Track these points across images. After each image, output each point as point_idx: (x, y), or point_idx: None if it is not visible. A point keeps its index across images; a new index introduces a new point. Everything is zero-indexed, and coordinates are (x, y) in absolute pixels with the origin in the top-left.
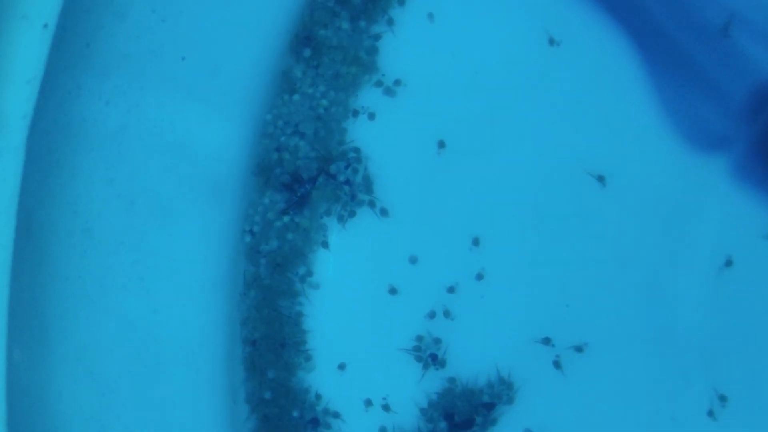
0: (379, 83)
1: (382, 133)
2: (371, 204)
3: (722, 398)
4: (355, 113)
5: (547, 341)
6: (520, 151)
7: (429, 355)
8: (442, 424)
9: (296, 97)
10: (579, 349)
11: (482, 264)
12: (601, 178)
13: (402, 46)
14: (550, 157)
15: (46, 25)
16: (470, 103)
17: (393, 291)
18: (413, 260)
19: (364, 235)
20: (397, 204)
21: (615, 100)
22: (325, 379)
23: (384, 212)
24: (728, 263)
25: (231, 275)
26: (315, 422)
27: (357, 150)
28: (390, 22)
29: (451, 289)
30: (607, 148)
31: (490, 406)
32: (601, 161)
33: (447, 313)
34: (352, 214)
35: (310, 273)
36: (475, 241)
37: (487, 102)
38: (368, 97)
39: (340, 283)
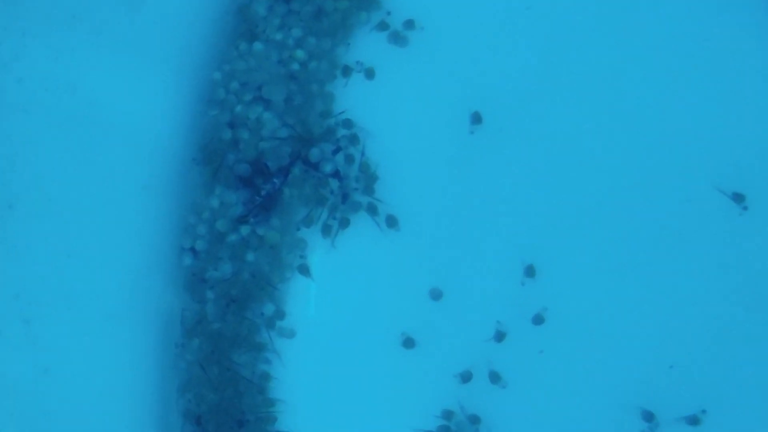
0: (382, 26)
1: (388, 101)
2: (372, 209)
3: None
4: (347, 71)
5: (644, 416)
6: (598, 130)
7: None
8: None
9: (258, 45)
10: (692, 421)
11: (540, 301)
12: (739, 198)
13: None
14: (644, 144)
15: None
16: (520, 57)
17: (408, 342)
18: (436, 295)
19: (362, 255)
20: (411, 209)
21: (748, 57)
22: None
23: (392, 222)
24: None
25: (163, 317)
26: None
27: (350, 125)
28: None
29: (496, 339)
30: (735, 136)
31: None
32: (726, 155)
33: (492, 376)
34: (345, 223)
35: (280, 314)
36: (530, 270)
37: (545, 55)
38: (366, 46)
39: (326, 329)
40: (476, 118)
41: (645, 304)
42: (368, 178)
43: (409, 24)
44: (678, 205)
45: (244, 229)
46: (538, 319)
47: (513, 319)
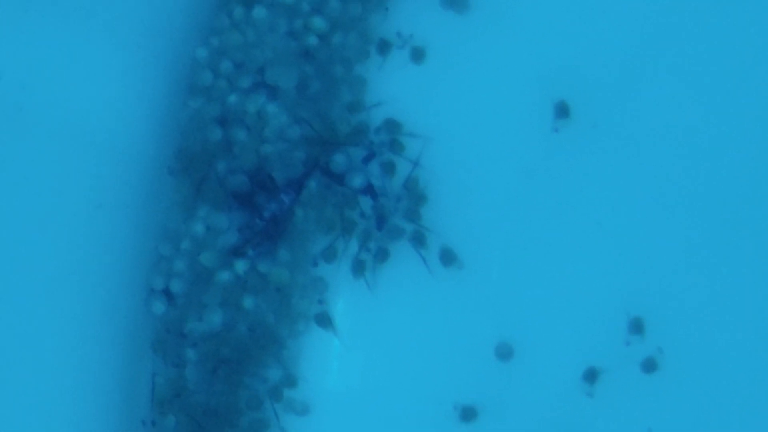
0: None
1: (442, 90)
2: (419, 239)
3: None
4: (385, 47)
5: None
6: (730, 130)
7: None
8: None
9: (259, 11)
10: None
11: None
12: None
13: None
14: None
15: None
16: (621, 25)
17: (467, 413)
18: (505, 353)
19: (404, 301)
20: (471, 239)
21: None
22: None
23: (448, 258)
24: None
25: (126, 385)
26: None
27: (389, 124)
28: None
29: (588, 384)
30: None
31: None
32: None
33: None
34: (382, 257)
35: (290, 380)
36: (637, 324)
37: (655, 23)
38: (412, 12)
39: (353, 401)
40: (562, 111)
41: None
42: (414, 197)
43: None
44: None
45: (240, 265)
46: (648, 366)
47: (608, 383)
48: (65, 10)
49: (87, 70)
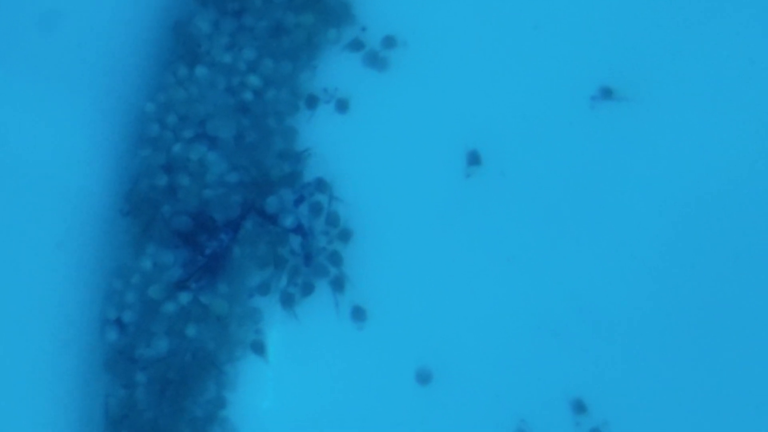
0: (356, 45)
1: (364, 139)
2: (338, 283)
3: None
4: (313, 101)
5: None
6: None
7: None
8: None
9: (201, 70)
10: None
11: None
12: None
13: None
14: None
15: None
16: (528, 80)
17: None
18: (424, 377)
19: (331, 330)
20: (391, 272)
21: None
22: None
23: (358, 314)
24: None
25: (81, 406)
26: None
27: (317, 168)
28: None
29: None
30: None
31: None
32: None
33: None
34: (308, 291)
35: (223, 401)
36: (579, 406)
37: (559, 80)
38: (337, 70)
39: (285, 423)
40: (474, 159)
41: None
42: (341, 234)
43: (389, 41)
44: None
45: (184, 297)
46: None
47: (536, 409)
48: (32, 71)
49: (50, 123)
